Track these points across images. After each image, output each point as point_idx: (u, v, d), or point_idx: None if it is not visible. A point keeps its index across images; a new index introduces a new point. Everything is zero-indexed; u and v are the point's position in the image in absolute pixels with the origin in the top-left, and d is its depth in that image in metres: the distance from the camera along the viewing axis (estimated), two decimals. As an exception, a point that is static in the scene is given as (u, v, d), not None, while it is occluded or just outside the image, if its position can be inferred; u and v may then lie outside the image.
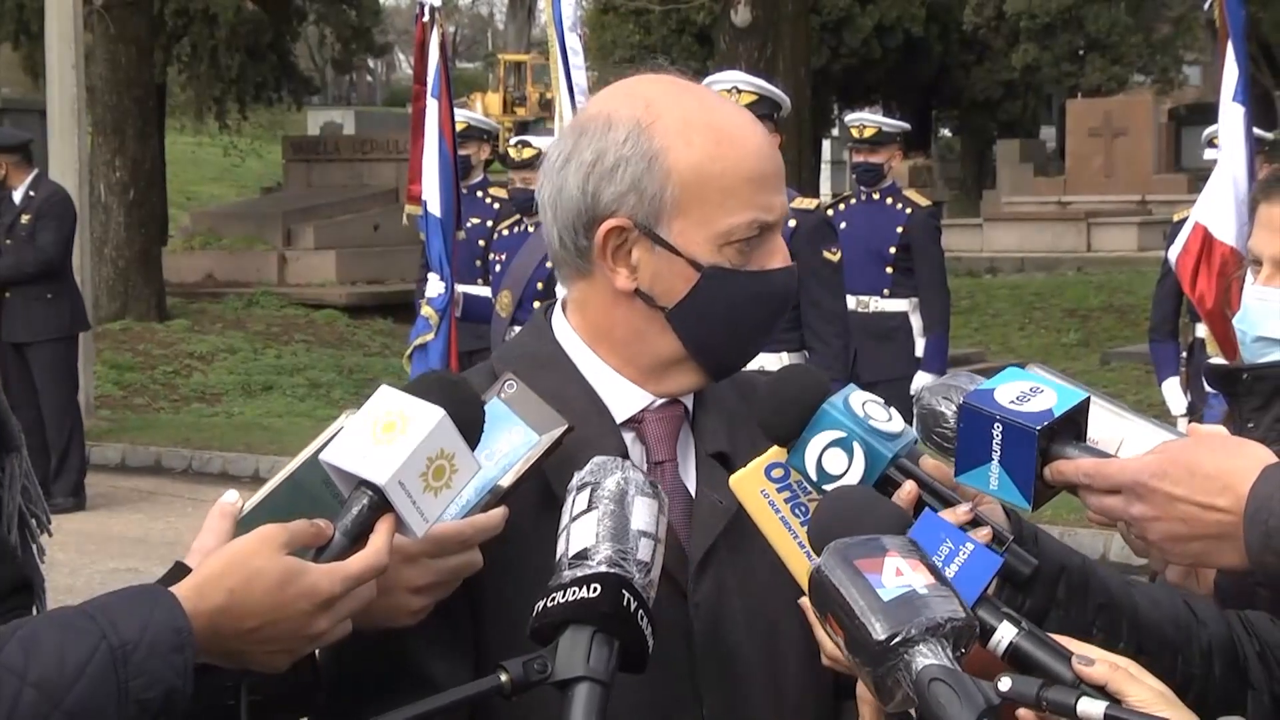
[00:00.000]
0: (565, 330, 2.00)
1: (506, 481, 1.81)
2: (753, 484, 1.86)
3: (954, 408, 1.84)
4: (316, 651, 1.78)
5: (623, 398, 1.96)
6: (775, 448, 1.87)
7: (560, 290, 2.12)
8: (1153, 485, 1.77)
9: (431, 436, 1.70)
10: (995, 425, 1.78)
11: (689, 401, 2.00)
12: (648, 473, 1.90)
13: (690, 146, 1.89)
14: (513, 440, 1.85)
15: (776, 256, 1.93)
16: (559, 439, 1.84)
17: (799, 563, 1.83)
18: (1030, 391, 1.80)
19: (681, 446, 1.98)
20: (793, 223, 6.62)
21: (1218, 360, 6.26)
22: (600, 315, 1.97)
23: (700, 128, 1.90)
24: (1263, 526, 1.71)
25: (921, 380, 8.85)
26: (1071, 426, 1.81)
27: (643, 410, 1.96)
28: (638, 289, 1.92)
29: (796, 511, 1.85)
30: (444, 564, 1.78)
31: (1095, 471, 1.79)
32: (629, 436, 1.95)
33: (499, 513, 1.80)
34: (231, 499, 1.79)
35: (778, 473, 1.86)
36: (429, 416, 1.70)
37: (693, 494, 1.96)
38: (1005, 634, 1.61)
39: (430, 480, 1.70)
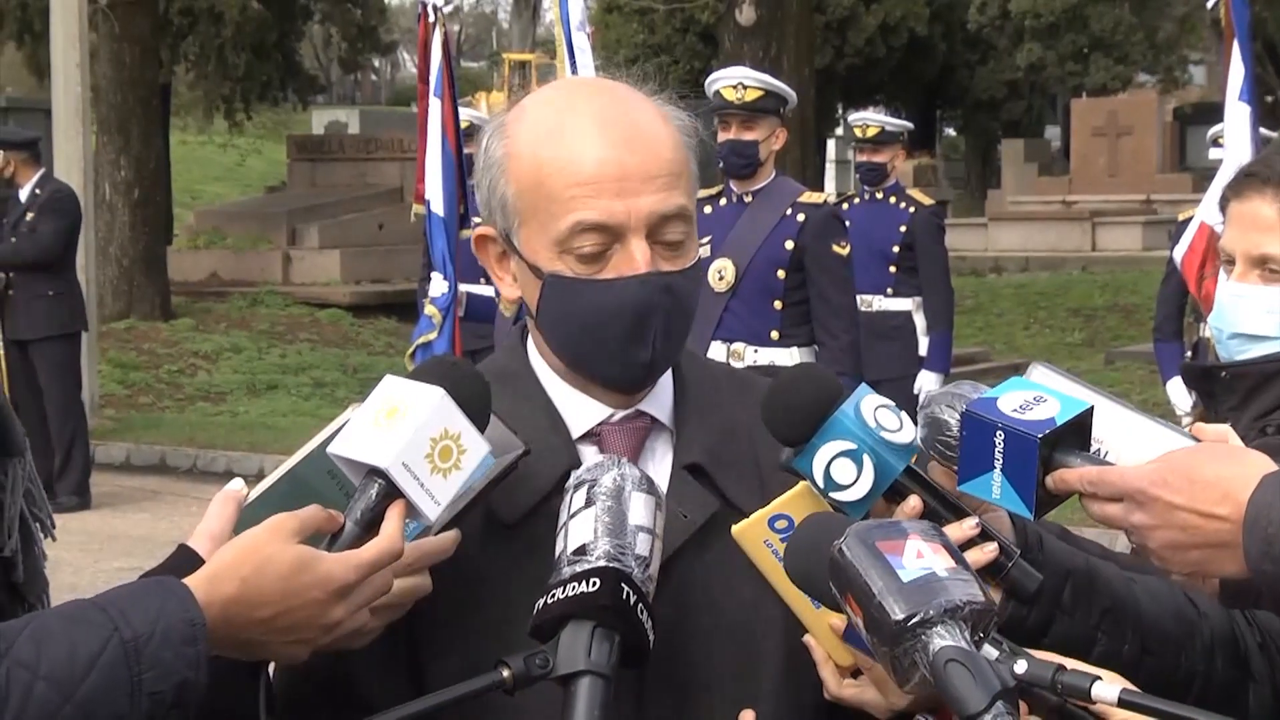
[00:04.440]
0: (533, 345, 1.98)
1: (460, 504, 1.77)
2: (756, 535, 1.84)
3: (957, 416, 1.82)
4: (272, 669, 1.77)
5: (580, 411, 1.92)
6: (779, 499, 1.84)
7: None
8: (1153, 493, 1.76)
9: (432, 416, 1.70)
10: (997, 433, 1.78)
11: (658, 412, 1.94)
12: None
13: (530, 150, 1.85)
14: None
15: (631, 263, 1.83)
16: (514, 461, 1.80)
17: (806, 610, 1.84)
18: (1033, 401, 1.80)
19: (654, 458, 1.93)
20: (801, 217, 6.62)
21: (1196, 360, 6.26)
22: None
23: (546, 130, 1.86)
24: (1262, 534, 1.71)
25: (925, 379, 8.86)
26: (1075, 436, 1.81)
27: (600, 423, 1.92)
28: (521, 297, 1.92)
29: None
30: (395, 586, 1.74)
31: (1097, 479, 1.79)
32: (590, 450, 1.91)
33: (450, 535, 1.77)
34: (237, 486, 1.79)
35: (781, 524, 1.83)
36: (428, 396, 1.71)
37: None
38: (987, 654, 1.59)
39: (437, 461, 1.70)
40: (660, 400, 1.95)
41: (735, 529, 1.85)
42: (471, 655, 1.79)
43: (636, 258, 1.83)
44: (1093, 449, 1.86)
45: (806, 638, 1.86)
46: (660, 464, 1.93)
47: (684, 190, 1.87)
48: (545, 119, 1.88)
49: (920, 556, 1.53)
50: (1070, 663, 1.62)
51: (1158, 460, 1.81)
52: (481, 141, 1.93)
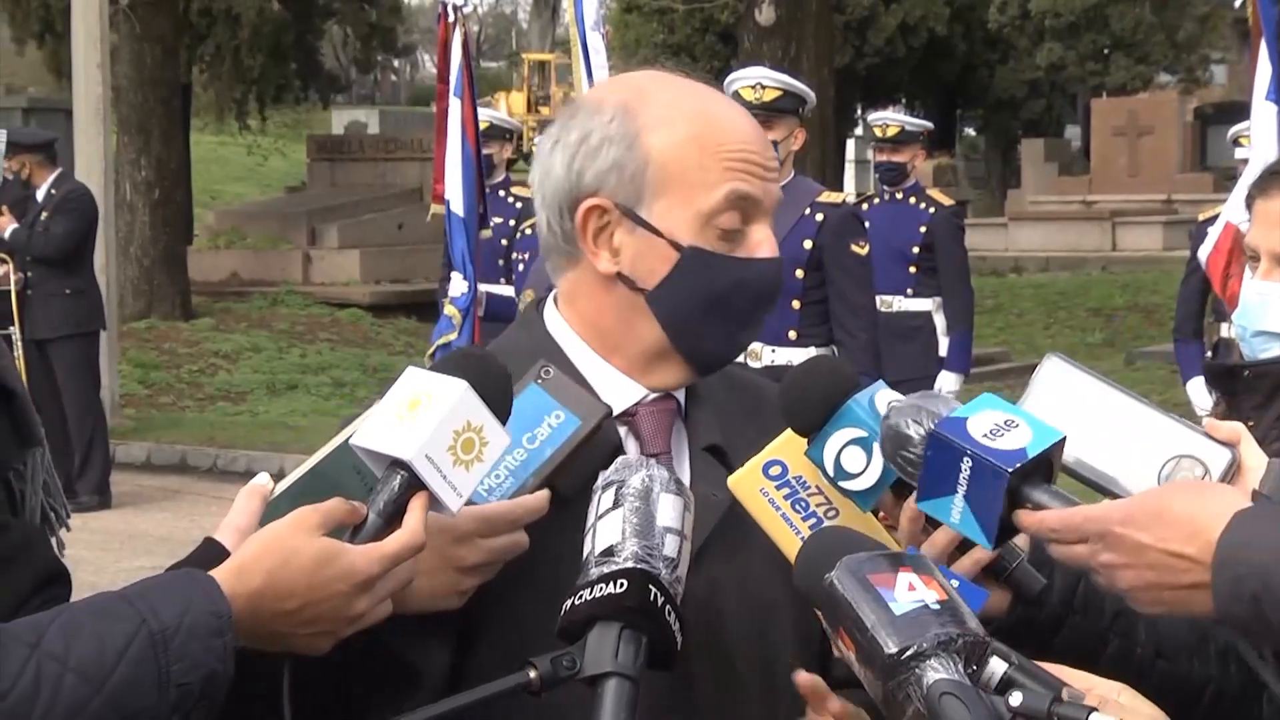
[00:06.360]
0: (557, 323, 1.99)
1: (550, 465, 1.83)
2: (751, 483, 1.86)
3: (923, 432, 1.75)
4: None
5: (616, 391, 1.94)
6: (771, 444, 1.86)
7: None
8: (1119, 533, 1.71)
9: (455, 408, 1.71)
10: (965, 460, 1.71)
11: (681, 396, 1.99)
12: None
13: (673, 126, 1.89)
14: (553, 424, 1.87)
15: (764, 247, 1.91)
16: (599, 423, 1.85)
17: None
18: (1005, 425, 1.73)
19: (675, 440, 1.98)
20: (820, 217, 6.60)
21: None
22: (588, 304, 1.96)
23: (685, 110, 1.92)
24: (1231, 575, 1.65)
25: (945, 380, 8.83)
26: (1043, 467, 1.74)
27: (636, 404, 1.95)
28: (620, 272, 1.91)
29: (797, 508, 1.84)
30: (493, 544, 1.78)
31: (1061, 525, 1.72)
32: (622, 430, 1.94)
33: (543, 494, 1.81)
34: (263, 480, 1.81)
35: (775, 470, 1.85)
36: (451, 389, 1.72)
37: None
38: (996, 669, 1.58)
39: (460, 454, 1.71)
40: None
41: (731, 479, 1.87)
42: (525, 624, 1.82)
43: (765, 242, 1.91)
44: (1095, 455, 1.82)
45: None
46: (681, 446, 1.97)
47: None
48: (684, 101, 1.93)
49: (912, 589, 1.52)
50: (1070, 674, 1.61)
51: (1125, 500, 1.76)
52: (585, 121, 1.92)
